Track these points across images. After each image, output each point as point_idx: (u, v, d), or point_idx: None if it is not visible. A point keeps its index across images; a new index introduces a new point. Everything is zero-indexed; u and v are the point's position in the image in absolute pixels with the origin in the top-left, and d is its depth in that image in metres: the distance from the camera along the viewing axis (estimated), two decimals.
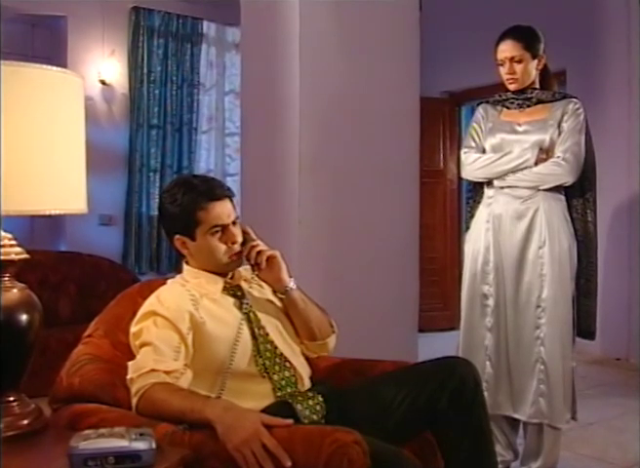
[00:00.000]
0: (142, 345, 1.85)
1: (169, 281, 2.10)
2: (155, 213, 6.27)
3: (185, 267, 2.09)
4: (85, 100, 1.71)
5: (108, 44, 6.18)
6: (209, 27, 6.78)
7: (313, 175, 3.16)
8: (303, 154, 3.13)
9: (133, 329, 1.92)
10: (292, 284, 2.10)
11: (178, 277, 2.10)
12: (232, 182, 6.28)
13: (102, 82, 6.14)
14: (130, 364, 1.81)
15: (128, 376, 1.79)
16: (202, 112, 6.75)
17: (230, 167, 6.90)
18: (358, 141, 3.30)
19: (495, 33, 2.93)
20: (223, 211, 1.98)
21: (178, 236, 2.01)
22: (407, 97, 3.50)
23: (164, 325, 1.87)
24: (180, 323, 1.88)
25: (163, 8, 6.39)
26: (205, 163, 6.81)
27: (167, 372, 1.77)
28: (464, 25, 6.04)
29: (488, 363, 2.90)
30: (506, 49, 2.86)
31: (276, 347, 2.01)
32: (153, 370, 1.76)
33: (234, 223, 2.01)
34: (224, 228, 1.99)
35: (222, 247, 1.99)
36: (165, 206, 2.01)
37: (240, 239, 2.03)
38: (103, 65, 6.15)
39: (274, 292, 2.14)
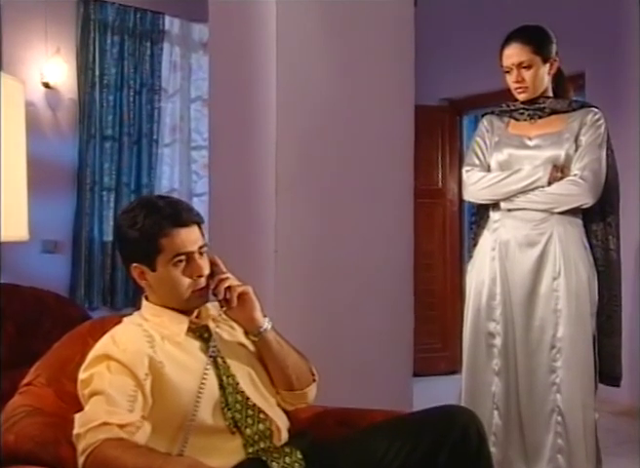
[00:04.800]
0: (93, 394, 1.83)
1: (125, 319, 2.09)
2: (109, 238, 6.24)
3: (145, 303, 2.09)
4: (25, 107, 1.71)
5: (52, 40, 6.13)
6: (172, 23, 6.78)
7: (292, 196, 3.17)
8: (281, 172, 3.13)
9: (82, 375, 1.90)
10: (266, 324, 2.09)
11: (135, 314, 2.09)
12: (199, 203, 6.26)
13: (46, 85, 6.09)
14: (77, 416, 1.80)
15: (74, 431, 1.77)
16: (164, 122, 6.74)
17: (197, 185, 6.88)
18: (344, 157, 3.32)
19: (501, 31, 2.97)
20: (189, 237, 1.99)
21: (135, 264, 2.01)
22: (400, 105, 3.53)
23: (119, 370, 1.86)
24: (138, 368, 1.87)
25: None
26: (168, 181, 6.78)
27: (121, 426, 1.76)
28: (467, 23, 6.09)
29: (496, 412, 2.90)
30: (513, 53, 2.89)
31: (247, 398, 2.00)
32: (105, 424, 1.74)
33: (201, 253, 2.01)
34: (189, 258, 1.99)
35: (186, 280, 1.99)
36: (123, 229, 2.01)
37: (207, 271, 2.02)
38: (47, 66, 6.09)
39: (246, 333, 2.13)
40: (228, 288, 2.03)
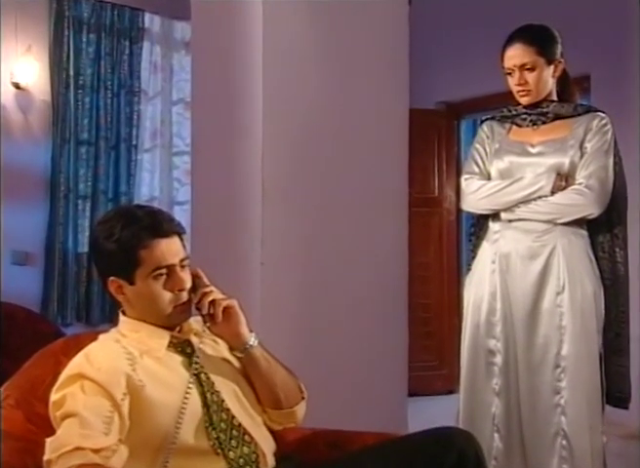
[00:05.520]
0: (65, 416, 1.82)
1: (101, 336, 2.09)
2: (84, 249, 6.19)
3: (122, 318, 2.09)
4: None
5: (23, 38, 6.07)
6: (152, 21, 6.76)
7: (280, 205, 3.16)
8: (268, 179, 3.13)
9: (54, 396, 1.89)
10: (252, 340, 2.10)
11: (112, 331, 2.09)
12: (181, 212, 6.24)
13: (16, 85, 6.04)
14: (48, 441, 1.79)
15: (45, 457, 1.76)
16: (144, 126, 6.71)
17: (179, 193, 6.85)
18: (335, 164, 3.31)
19: (502, 30, 2.97)
20: (170, 249, 1.99)
21: (113, 278, 2.01)
22: (394, 108, 3.53)
23: (94, 391, 1.85)
24: (115, 388, 1.86)
25: None
26: (148, 188, 6.75)
27: (95, 451, 1.75)
28: (465, 22, 6.09)
29: (496, 435, 2.90)
30: (516, 55, 2.90)
31: (233, 417, 2.00)
32: (78, 449, 1.73)
33: (182, 266, 2.02)
34: (170, 271, 1.99)
35: (167, 294, 1.99)
36: (99, 240, 2.01)
37: (189, 285, 2.03)
38: (17, 65, 6.03)
39: (231, 349, 2.13)
40: (212, 302, 2.04)
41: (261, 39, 3.15)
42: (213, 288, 2.07)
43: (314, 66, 3.28)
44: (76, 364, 1.93)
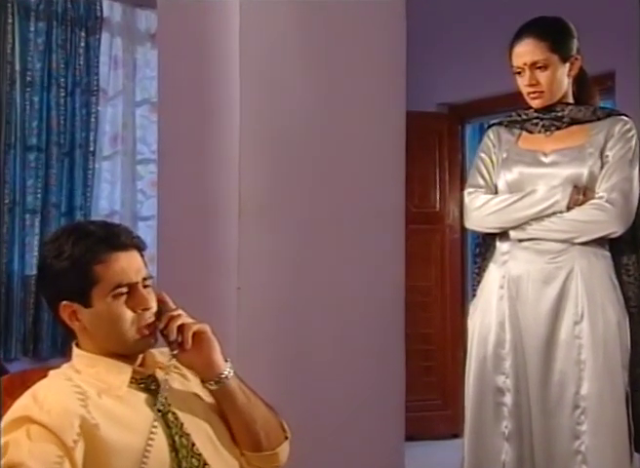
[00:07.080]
0: None
1: (51, 372, 2.06)
2: (32, 272, 6.15)
3: (76, 351, 2.06)
4: None
5: None
6: (112, 9, 6.71)
7: (259, 222, 3.17)
8: (245, 193, 3.13)
9: None
10: (228, 369, 2.08)
11: (65, 366, 2.06)
12: (146, 229, 6.21)
13: None
14: None
15: None
16: (103, 129, 6.68)
17: (143, 207, 6.81)
18: (321, 175, 3.32)
19: (511, 24, 2.98)
20: (130, 264, 1.98)
21: (65, 303, 1.99)
22: (389, 111, 3.54)
23: (42, 437, 1.83)
24: (67, 432, 1.84)
25: None
26: (107, 201, 6.71)
27: None
28: (469, 14, 6.12)
29: None
30: (526, 51, 2.91)
31: (205, 464, 1.98)
32: None
33: (145, 286, 2.01)
34: (132, 289, 1.98)
35: (129, 314, 1.97)
36: (47, 262, 2.00)
37: (154, 305, 2.02)
38: None
39: (203, 382, 2.11)
40: (181, 326, 2.02)
41: (238, 31, 3.15)
42: (181, 311, 2.05)
43: (299, 63, 3.29)
44: (22, 405, 1.90)
